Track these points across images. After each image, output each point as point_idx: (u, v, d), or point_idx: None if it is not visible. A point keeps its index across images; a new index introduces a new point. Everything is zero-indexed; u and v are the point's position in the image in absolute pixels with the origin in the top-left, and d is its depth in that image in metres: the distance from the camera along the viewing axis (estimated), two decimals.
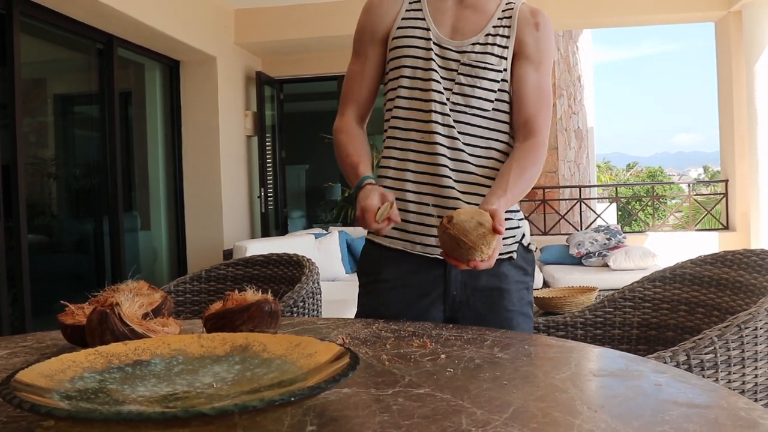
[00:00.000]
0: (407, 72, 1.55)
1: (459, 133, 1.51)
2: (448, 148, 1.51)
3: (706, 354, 1.26)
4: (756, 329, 1.30)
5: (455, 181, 1.51)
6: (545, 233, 7.16)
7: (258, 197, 7.08)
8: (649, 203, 7.75)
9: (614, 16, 6.47)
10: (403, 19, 1.58)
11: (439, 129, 1.51)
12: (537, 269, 6.12)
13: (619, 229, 6.46)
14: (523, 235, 1.61)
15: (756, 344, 1.30)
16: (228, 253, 6.08)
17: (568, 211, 7.40)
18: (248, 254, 4.42)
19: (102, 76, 5.31)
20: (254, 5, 6.62)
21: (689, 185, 8.12)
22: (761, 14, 5.93)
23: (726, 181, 6.79)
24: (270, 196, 7.15)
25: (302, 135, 9.28)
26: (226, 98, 6.54)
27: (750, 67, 6.07)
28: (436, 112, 1.51)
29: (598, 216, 7.28)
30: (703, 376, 1.25)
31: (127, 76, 6.01)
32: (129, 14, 4.80)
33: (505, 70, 1.55)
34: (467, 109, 1.52)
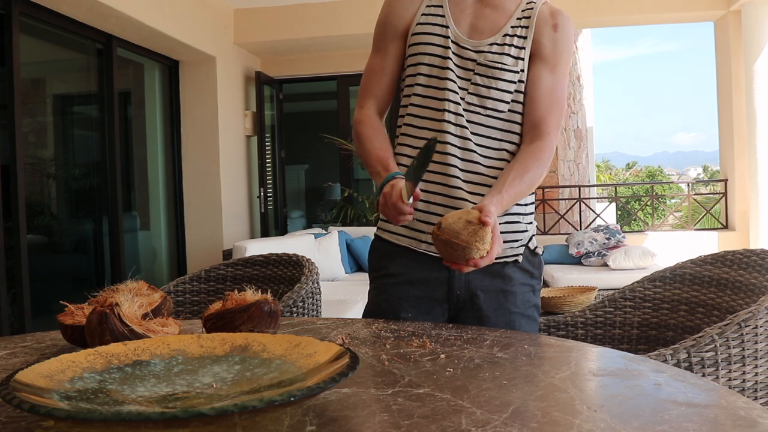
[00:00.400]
0: (424, 70, 1.54)
1: (472, 133, 1.51)
2: (459, 148, 1.51)
3: (706, 352, 1.26)
4: (756, 327, 1.30)
5: (463, 181, 1.51)
6: (545, 233, 7.16)
7: (257, 197, 7.08)
8: (649, 203, 7.75)
9: (613, 16, 6.47)
10: (423, 14, 1.57)
11: (451, 129, 1.50)
12: None
13: (619, 228, 6.46)
14: (530, 239, 1.60)
15: (756, 342, 1.30)
16: (227, 254, 6.08)
17: (568, 210, 7.40)
18: (248, 254, 4.42)
19: (101, 76, 5.31)
20: (253, 5, 6.62)
21: (688, 185, 8.12)
22: (760, 13, 5.94)
23: (725, 181, 6.79)
24: (269, 196, 7.15)
25: (302, 135, 9.29)
26: (226, 98, 6.54)
27: (749, 67, 6.07)
28: (449, 111, 1.51)
29: (598, 216, 7.28)
30: (704, 375, 1.25)
31: (126, 76, 6.01)
32: (128, 14, 4.80)
33: (522, 71, 1.53)
34: (482, 110, 1.52)
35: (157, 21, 5.22)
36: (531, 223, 1.61)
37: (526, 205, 1.58)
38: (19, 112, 4.17)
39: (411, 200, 1.32)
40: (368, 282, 1.69)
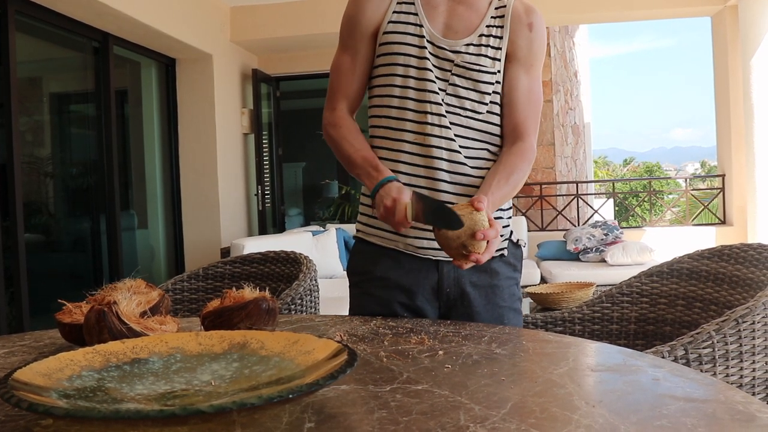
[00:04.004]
0: (399, 70, 1.51)
1: (455, 135, 1.49)
2: (446, 149, 1.48)
3: (704, 348, 1.26)
4: (753, 323, 1.30)
5: (449, 183, 1.49)
6: (542, 229, 7.16)
7: (255, 195, 7.07)
8: (646, 198, 7.75)
9: (610, 11, 6.46)
10: (394, 12, 1.53)
11: (435, 131, 1.48)
12: (535, 265, 6.12)
13: (617, 224, 6.46)
14: (511, 232, 1.61)
15: (753, 338, 1.30)
16: (225, 251, 6.08)
17: (566, 206, 7.41)
18: (246, 252, 4.42)
19: (98, 75, 5.30)
20: (250, 3, 6.60)
21: (686, 180, 8.12)
22: (757, 9, 5.93)
23: (723, 176, 6.79)
24: (267, 194, 7.15)
25: (299, 132, 9.27)
26: (223, 96, 6.53)
27: (746, 62, 6.06)
28: (431, 113, 1.48)
29: (596, 212, 7.29)
30: (701, 371, 1.25)
31: (123, 75, 5.99)
32: (125, 12, 4.79)
33: (499, 71, 1.52)
34: (461, 111, 1.50)
35: (154, 19, 5.21)
36: (510, 216, 1.62)
37: None
38: (15, 111, 4.16)
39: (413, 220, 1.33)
40: None
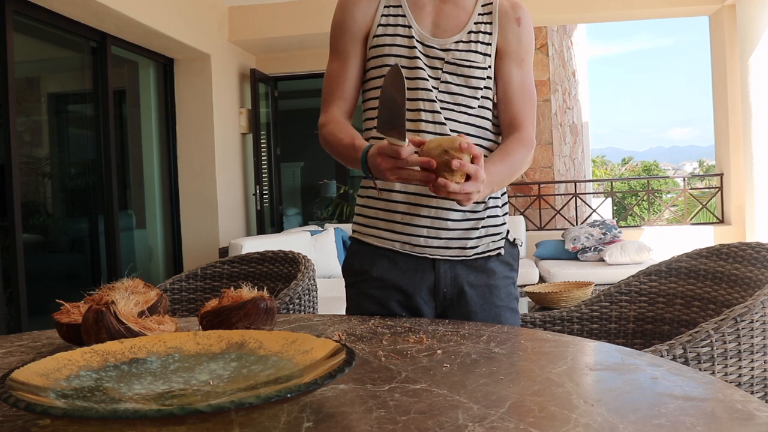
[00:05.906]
0: None
1: (451, 131, 1.50)
2: None
3: (702, 347, 1.26)
4: (752, 322, 1.30)
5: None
6: (541, 228, 7.17)
7: (253, 195, 7.07)
8: (645, 198, 7.76)
9: (608, 10, 6.47)
10: (383, 16, 1.55)
11: (429, 127, 1.49)
12: (533, 264, 6.12)
13: (615, 223, 6.46)
14: (508, 231, 1.61)
15: (752, 337, 1.31)
16: (224, 251, 6.08)
17: (564, 206, 7.40)
18: (244, 252, 4.41)
19: (96, 75, 5.29)
20: (248, 2, 6.60)
21: (684, 179, 8.13)
22: (755, 8, 5.93)
23: (721, 175, 6.80)
24: (265, 194, 7.14)
25: (297, 132, 9.27)
26: (221, 96, 6.53)
27: (744, 61, 6.07)
28: (425, 110, 1.49)
29: (594, 211, 7.29)
30: (700, 370, 1.25)
31: (121, 75, 5.99)
32: (123, 12, 4.79)
33: (490, 67, 1.54)
34: (455, 107, 1.51)
35: (152, 19, 5.21)
36: (506, 213, 1.62)
37: (499, 197, 1.59)
38: (13, 111, 4.16)
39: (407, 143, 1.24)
40: None
